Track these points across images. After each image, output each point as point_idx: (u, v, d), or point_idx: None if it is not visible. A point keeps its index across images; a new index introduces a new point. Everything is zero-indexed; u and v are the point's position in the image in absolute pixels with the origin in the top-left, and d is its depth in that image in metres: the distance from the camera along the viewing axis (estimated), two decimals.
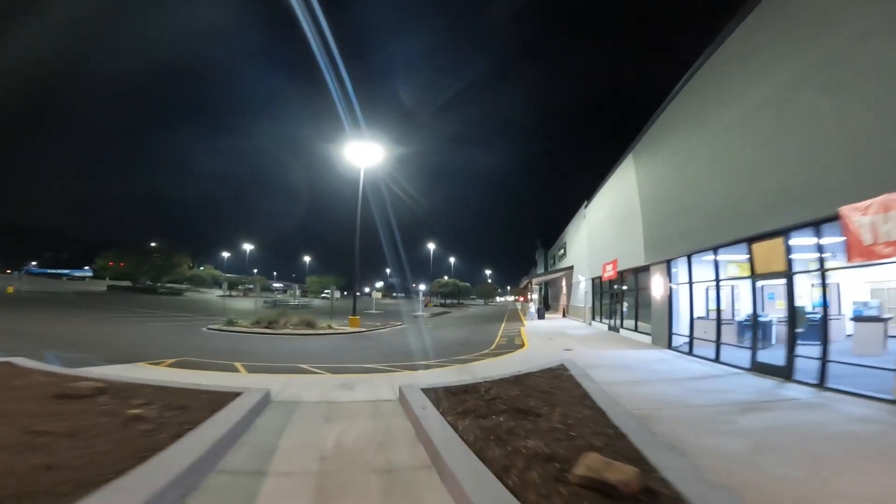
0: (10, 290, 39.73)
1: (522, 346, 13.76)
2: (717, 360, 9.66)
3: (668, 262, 12.46)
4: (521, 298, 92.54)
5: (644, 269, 14.48)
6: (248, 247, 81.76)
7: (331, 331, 18.07)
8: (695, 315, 11.41)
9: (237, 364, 9.25)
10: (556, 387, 6.26)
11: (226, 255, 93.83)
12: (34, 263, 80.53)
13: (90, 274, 70.87)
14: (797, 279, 8.95)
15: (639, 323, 15.36)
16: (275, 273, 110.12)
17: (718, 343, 9.90)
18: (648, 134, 14.25)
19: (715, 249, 10.11)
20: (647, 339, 13.86)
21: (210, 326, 17.67)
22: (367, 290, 78.92)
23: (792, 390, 6.80)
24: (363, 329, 19.60)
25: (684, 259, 11.69)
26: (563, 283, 34.05)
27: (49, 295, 39.44)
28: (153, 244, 65.55)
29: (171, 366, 8.89)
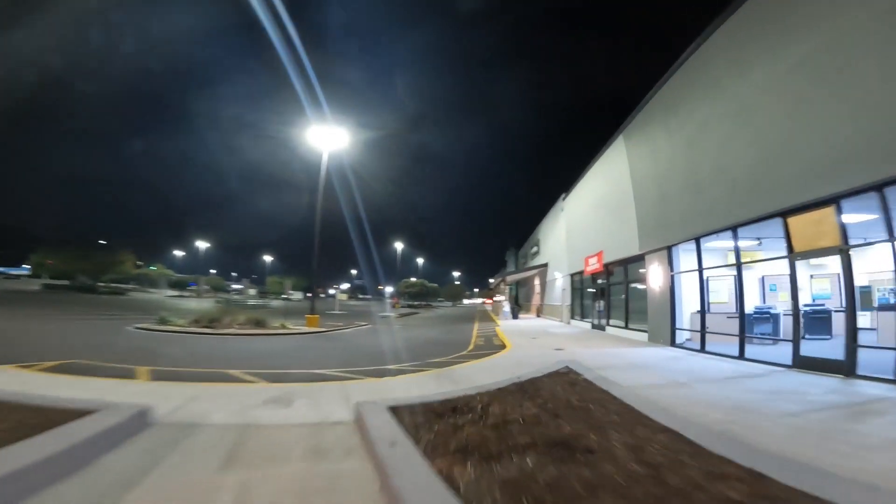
0: None
1: (505, 346, 11.96)
2: (741, 356, 8.21)
3: (669, 248, 11.02)
4: (489, 300, 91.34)
5: (637, 260, 13.05)
6: (203, 245, 76.38)
7: (284, 331, 15.67)
8: (707, 307, 10.02)
9: (141, 369, 6.94)
10: (583, 398, 4.44)
11: (181, 253, 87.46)
12: None
13: (27, 272, 64.10)
14: (798, 266, 7.68)
15: (629, 319, 13.93)
16: (234, 274, 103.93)
17: (742, 338, 8.45)
18: (644, 111, 12.83)
19: (734, 229, 8.68)
20: (642, 337, 12.41)
21: (138, 325, 14.89)
22: (331, 291, 75.63)
23: (871, 388, 5.37)
24: (323, 329, 17.27)
25: (690, 244, 10.28)
26: (536, 281, 32.75)
27: None
28: (94, 240, 59.95)
29: (47, 370, 6.55)
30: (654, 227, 11.91)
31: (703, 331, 9.66)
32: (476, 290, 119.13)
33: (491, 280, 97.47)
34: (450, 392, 4.95)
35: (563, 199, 23.30)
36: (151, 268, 77.32)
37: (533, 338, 14.23)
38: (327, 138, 19.50)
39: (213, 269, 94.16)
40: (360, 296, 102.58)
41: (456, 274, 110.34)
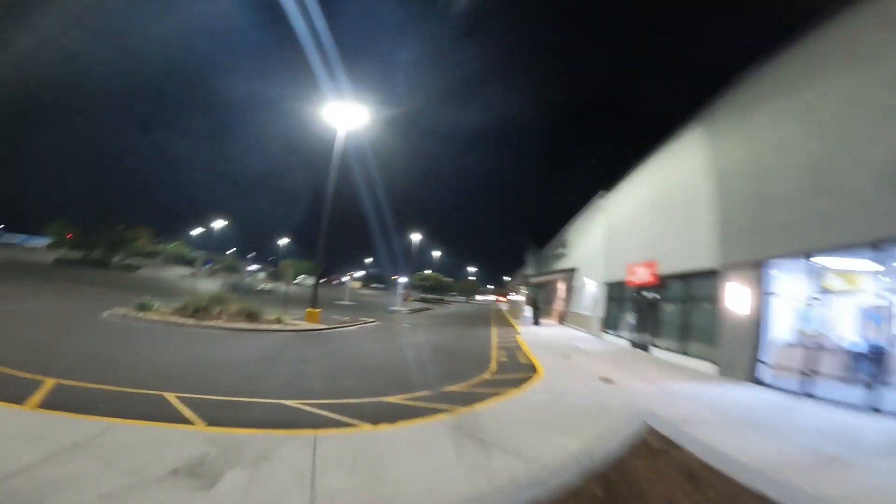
0: None
1: (534, 369, 9.67)
2: (876, 408, 5.88)
3: (762, 263, 8.64)
4: (502, 298, 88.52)
5: (707, 275, 10.62)
6: (221, 223, 75.40)
7: (277, 326, 13.74)
8: (797, 338, 7.69)
9: (49, 383, 4.97)
10: None
11: (200, 230, 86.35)
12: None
13: (46, 243, 64.43)
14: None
15: (687, 343, 11.54)
16: (253, 254, 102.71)
17: (875, 382, 6.14)
18: (741, 92, 10.06)
19: (877, 245, 6.28)
20: (704, 367, 10.08)
21: (115, 311, 13.09)
22: (344, 279, 74.25)
23: None
24: (322, 326, 15.31)
25: (793, 260, 7.91)
26: (561, 285, 30.33)
27: None
28: (113, 216, 59.58)
29: None
30: (743, 236, 9.45)
31: (810, 371, 7.30)
32: (490, 286, 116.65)
33: (507, 278, 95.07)
34: (486, 489, 2.80)
35: (603, 197, 20.82)
36: (170, 245, 77.02)
37: (565, 356, 11.98)
38: (345, 115, 17.54)
39: (233, 248, 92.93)
40: (374, 285, 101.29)
41: (470, 269, 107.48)
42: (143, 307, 13.36)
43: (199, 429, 4.09)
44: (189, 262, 66.51)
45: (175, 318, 12.55)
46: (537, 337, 17.36)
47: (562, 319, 28.07)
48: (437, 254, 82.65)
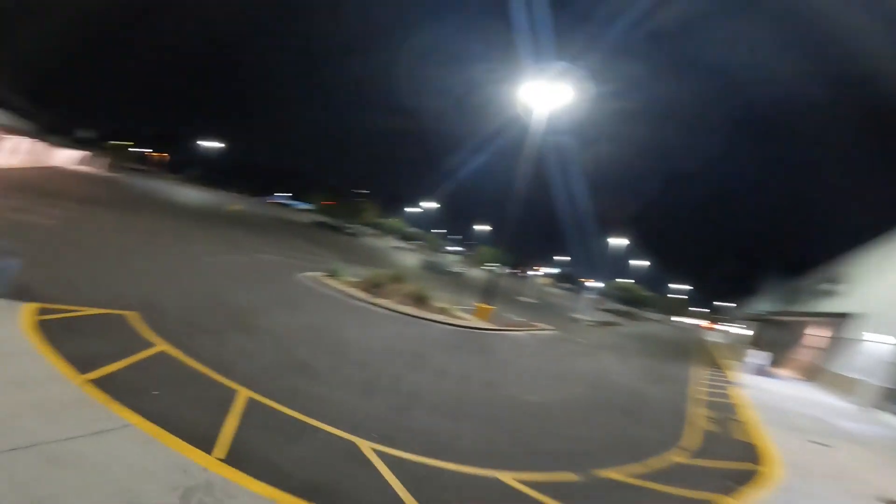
0: (238, 207, 46.59)
1: (758, 458, 6.14)
2: None
3: None
4: (710, 325, 72.73)
5: None
6: (431, 205, 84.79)
7: (441, 317, 13.08)
8: None
9: (158, 347, 4.87)
10: None
11: (417, 210, 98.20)
12: (290, 194, 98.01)
13: (308, 207, 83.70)
14: None
15: None
16: (458, 237, 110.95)
17: None
18: None
19: None
20: None
21: (311, 274, 14.55)
22: (530, 272, 73.04)
23: None
24: (488, 326, 14.04)
25: None
26: (819, 332, 22.13)
27: (257, 217, 44.23)
28: (352, 190, 73.38)
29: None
30: None
31: None
32: (694, 308, 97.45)
33: (718, 303, 77.81)
34: None
35: None
36: (390, 219, 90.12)
37: (819, 442, 7.69)
38: (547, 93, 15.71)
39: (441, 229, 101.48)
40: (563, 284, 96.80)
41: (674, 286, 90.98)
42: (332, 274, 14.64)
43: (204, 461, 3.00)
44: (401, 237, 76.19)
45: (351, 290, 13.17)
46: (767, 396, 12.43)
47: (810, 376, 20.35)
48: (638, 263, 72.77)
